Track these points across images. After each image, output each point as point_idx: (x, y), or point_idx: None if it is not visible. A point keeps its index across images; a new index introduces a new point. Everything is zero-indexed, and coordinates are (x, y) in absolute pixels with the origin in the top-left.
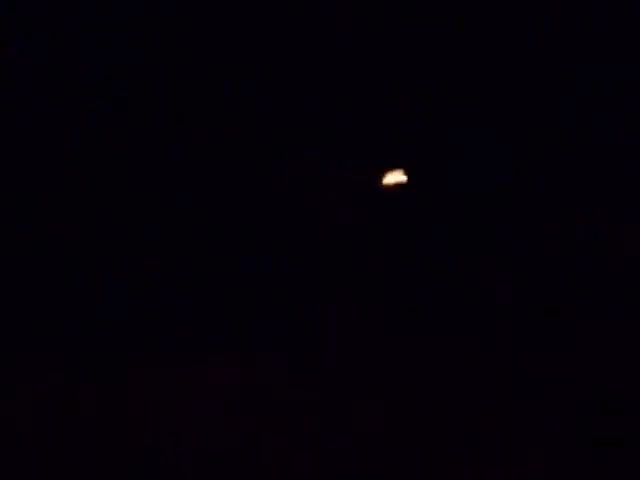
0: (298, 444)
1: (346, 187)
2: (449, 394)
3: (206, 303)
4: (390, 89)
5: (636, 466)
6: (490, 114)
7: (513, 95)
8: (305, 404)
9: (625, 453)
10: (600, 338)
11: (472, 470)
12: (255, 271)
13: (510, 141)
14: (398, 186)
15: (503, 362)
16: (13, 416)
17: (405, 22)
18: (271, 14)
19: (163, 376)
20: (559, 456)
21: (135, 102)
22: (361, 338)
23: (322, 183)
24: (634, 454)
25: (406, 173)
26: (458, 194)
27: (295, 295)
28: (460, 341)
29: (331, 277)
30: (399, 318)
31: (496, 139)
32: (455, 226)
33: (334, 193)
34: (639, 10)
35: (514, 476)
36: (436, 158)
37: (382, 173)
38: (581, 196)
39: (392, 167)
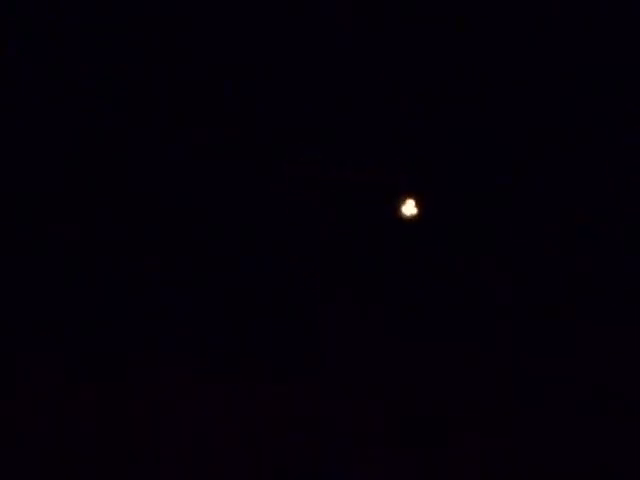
0: (298, 444)
1: (346, 187)
2: (449, 394)
3: (206, 303)
4: (390, 89)
5: (636, 466)
6: (490, 114)
7: (513, 95)
8: (305, 404)
9: (625, 453)
10: (600, 338)
11: (472, 470)
12: (255, 271)
13: (510, 141)
14: (398, 186)
15: (503, 362)
16: (13, 416)
17: (405, 22)
18: (271, 14)
19: (163, 376)
20: (559, 456)
21: (135, 102)
22: (361, 338)
23: (322, 183)
24: (634, 454)
25: (406, 173)
26: (458, 194)
27: (295, 295)
28: (460, 341)
29: (331, 277)
30: (399, 318)
31: (496, 139)
32: (455, 226)
33: (334, 193)
34: (639, 10)
35: (514, 476)
36: (436, 157)
37: (382, 173)
38: (581, 196)
39: (392, 167)
